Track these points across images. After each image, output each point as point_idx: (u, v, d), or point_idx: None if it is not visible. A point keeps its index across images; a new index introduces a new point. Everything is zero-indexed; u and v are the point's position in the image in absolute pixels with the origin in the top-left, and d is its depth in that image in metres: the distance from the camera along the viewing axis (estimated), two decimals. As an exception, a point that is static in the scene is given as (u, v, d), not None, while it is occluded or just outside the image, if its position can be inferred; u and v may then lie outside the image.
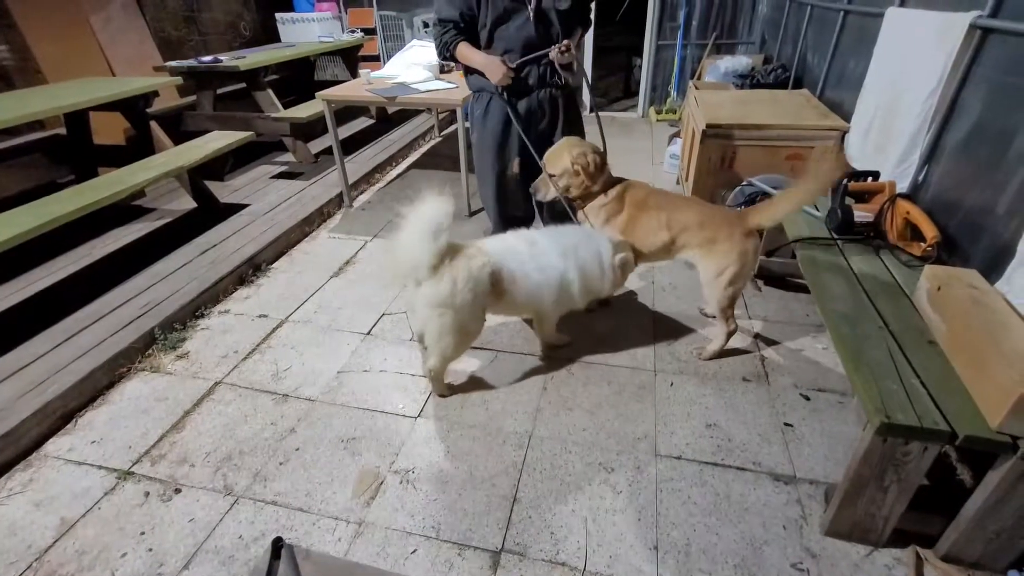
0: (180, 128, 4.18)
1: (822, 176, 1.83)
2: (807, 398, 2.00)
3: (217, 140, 3.40)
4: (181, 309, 2.48)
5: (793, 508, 1.60)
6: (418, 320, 1.88)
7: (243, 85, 4.45)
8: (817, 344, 2.27)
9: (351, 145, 4.77)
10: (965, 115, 1.95)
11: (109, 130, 3.97)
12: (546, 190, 2.18)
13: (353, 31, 5.89)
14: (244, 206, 3.55)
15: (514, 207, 2.56)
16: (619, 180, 2.16)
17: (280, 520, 1.60)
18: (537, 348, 2.29)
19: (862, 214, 2.08)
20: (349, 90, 3.54)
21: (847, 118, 2.76)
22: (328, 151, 4.28)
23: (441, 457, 1.80)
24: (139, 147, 3.60)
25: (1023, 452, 1.15)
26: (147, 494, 1.69)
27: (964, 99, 1.96)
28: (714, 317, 2.18)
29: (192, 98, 4.40)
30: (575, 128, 2.44)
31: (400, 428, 1.92)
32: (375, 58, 6.09)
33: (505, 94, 2.26)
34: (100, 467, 1.78)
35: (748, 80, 4.24)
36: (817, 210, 2.26)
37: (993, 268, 1.64)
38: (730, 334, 2.13)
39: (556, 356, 2.24)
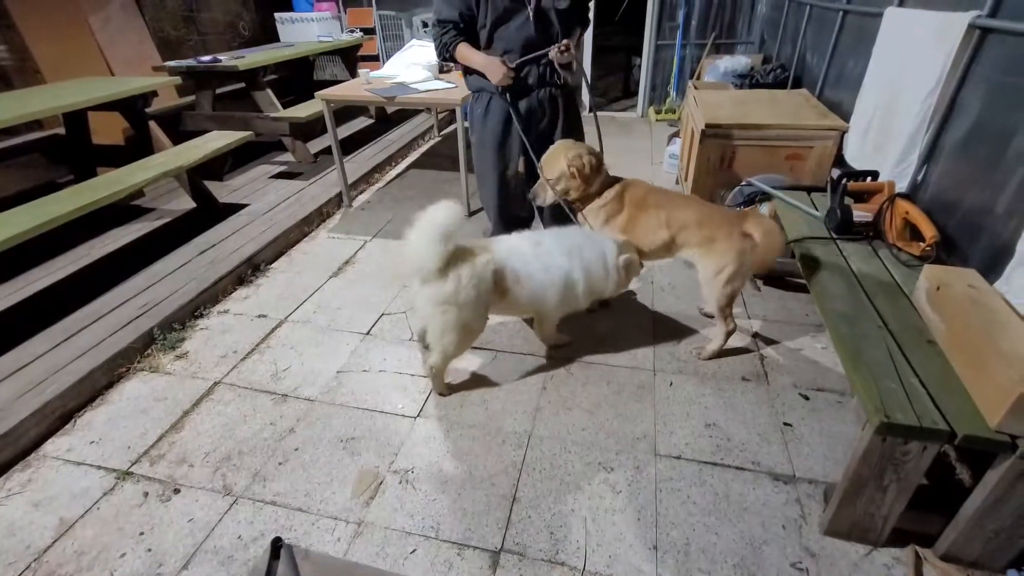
0: (179, 128, 4.17)
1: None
2: (806, 398, 2.00)
3: (216, 140, 3.40)
4: (180, 309, 2.48)
5: (792, 508, 1.60)
6: (420, 317, 1.88)
7: (242, 85, 4.45)
8: (816, 344, 2.27)
9: (350, 145, 4.76)
10: (964, 115, 1.95)
11: (108, 130, 3.97)
12: (544, 195, 2.18)
13: (352, 31, 5.89)
14: (243, 206, 3.55)
15: (515, 207, 2.55)
16: (617, 179, 2.16)
17: (279, 520, 1.60)
18: (537, 348, 2.29)
19: (861, 214, 2.08)
20: (348, 90, 3.53)
21: (846, 118, 2.76)
22: (327, 151, 4.29)
23: (440, 457, 1.80)
24: (138, 147, 3.60)
25: (1022, 451, 1.16)
26: (146, 494, 1.68)
27: (963, 99, 1.96)
28: (713, 317, 2.18)
29: (191, 98, 4.40)
30: (575, 128, 2.43)
31: (399, 428, 1.92)
32: (374, 58, 6.09)
33: (507, 94, 2.26)
34: (99, 467, 1.78)
35: (747, 80, 4.25)
36: (816, 210, 2.27)
37: (992, 268, 1.65)
38: (729, 333, 2.13)
39: (556, 356, 2.24)
